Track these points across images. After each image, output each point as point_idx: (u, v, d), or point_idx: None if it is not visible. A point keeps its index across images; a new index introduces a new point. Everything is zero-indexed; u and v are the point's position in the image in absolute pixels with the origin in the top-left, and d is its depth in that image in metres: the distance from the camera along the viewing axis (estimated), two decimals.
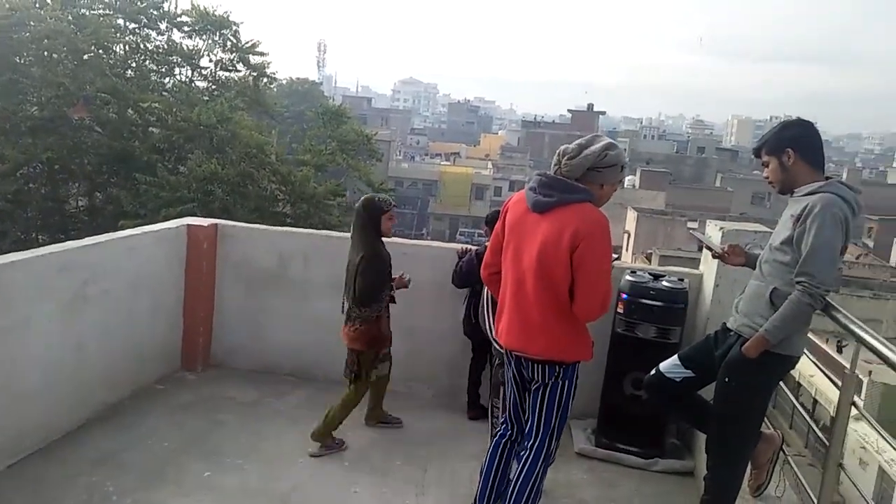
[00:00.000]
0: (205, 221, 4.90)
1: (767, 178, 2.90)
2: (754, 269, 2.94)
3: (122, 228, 12.37)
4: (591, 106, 78.41)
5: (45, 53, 16.74)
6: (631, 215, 28.44)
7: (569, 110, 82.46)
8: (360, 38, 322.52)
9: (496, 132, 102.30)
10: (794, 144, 2.78)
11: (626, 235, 27.62)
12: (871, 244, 43.83)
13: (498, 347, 3.18)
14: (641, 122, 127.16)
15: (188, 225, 4.74)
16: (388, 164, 49.76)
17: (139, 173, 15.88)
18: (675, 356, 3.12)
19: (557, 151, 2.70)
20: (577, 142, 2.70)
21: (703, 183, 55.55)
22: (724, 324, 3.02)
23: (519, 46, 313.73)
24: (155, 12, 19.87)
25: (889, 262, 39.90)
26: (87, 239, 4.01)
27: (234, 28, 20.76)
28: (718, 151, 73.43)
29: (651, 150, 71.48)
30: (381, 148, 32.60)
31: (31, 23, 16.56)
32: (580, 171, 2.60)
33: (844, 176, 60.29)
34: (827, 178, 2.77)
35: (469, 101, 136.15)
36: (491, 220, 3.95)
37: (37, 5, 17.83)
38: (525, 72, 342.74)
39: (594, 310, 2.57)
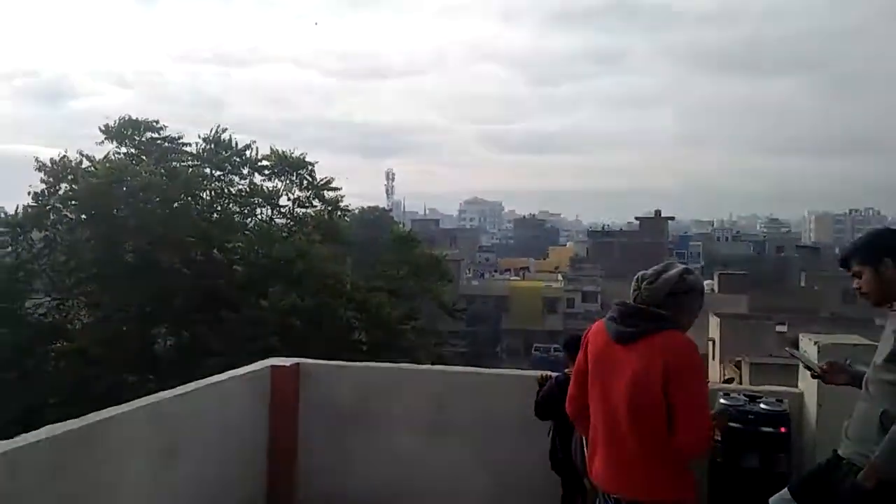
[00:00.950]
0: (287, 361, 5.00)
1: (860, 288, 2.76)
2: (860, 387, 2.76)
3: (208, 367, 12.90)
4: (658, 212, 78.05)
5: (140, 205, 18.29)
6: (714, 321, 27.33)
7: (636, 218, 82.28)
8: (426, 164, 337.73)
9: (564, 244, 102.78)
10: (892, 254, 2.68)
11: (710, 343, 26.42)
12: None
13: (593, 488, 3.02)
14: (713, 225, 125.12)
15: (272, 366, 4.86)
16: (458, 284, 50.33)
17: (224, 311, 16.65)
18: (786, 489, 2.88)
19: (635, 277, 2.67)
20: (653, 268, 2.67)
21: (786, 283, 53.33)
22: (835, 451, 2.80)
23: (575, 161, 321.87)
24: (238, 159, 21.59)
25: None
26: (176, 389, 4.13)
27: (310, 167, 22.21)
28: (799, 250, 70.96)
29: (727, 252, 69.88)
30: (451, 268, 33.22)
31: (128, 178, 18.25)
32: (660, 296, 2.55)
33: None
34: None
35: (534, 215, 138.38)
36: (570, 345, 3.86)
37: (133, 162, 19.73)
38: (587, 182, 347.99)
39: (697, 445, 2.45)
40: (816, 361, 3.19)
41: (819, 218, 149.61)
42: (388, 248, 26.97)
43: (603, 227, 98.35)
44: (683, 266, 2.68)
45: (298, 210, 22.32)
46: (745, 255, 65.27)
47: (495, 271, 74.50)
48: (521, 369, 5.38)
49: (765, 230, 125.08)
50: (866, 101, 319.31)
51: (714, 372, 22.02)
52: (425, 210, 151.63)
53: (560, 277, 62.38)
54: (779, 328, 26.70)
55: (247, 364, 5.00)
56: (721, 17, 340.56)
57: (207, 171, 21.16)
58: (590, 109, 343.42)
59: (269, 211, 22.17)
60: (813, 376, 3.17)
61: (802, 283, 49.83)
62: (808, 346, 3.80)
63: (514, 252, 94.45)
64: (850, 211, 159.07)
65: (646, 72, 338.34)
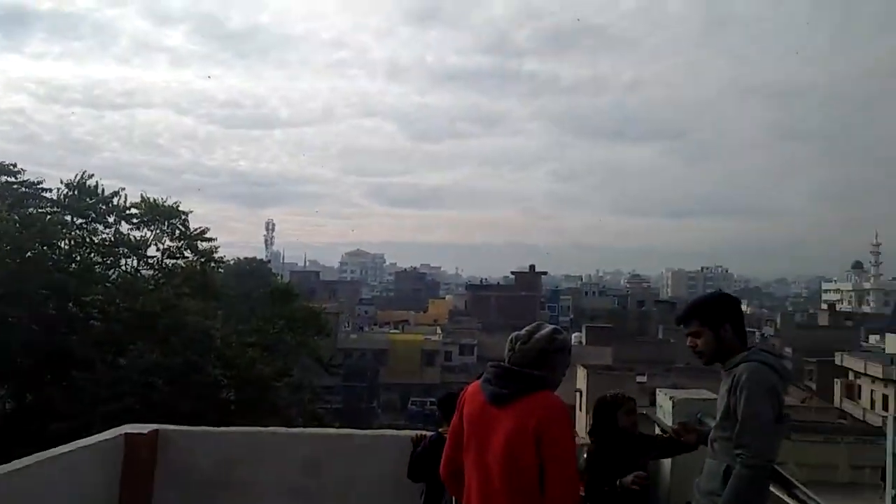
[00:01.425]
0: (144, 428, 4.68)
1: (695, 347, 2.97)
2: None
3: (54, 432, 11.68)
4: (532, 267, 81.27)
5: None
6: (581, 373, 28.48)
7: (512, 272, 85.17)
8: (309, 215, 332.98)
9: (443, 297, 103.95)
10: (730, 317, 2.90)
11: (577, 394, 27.46)
12: (813, 386, 44.76)
13: None
14: (581, 280, 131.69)
15: (126, 434, 4.52)
16: (336, 337, 49.37)
17: (76, 370, 15.24)
18: None
19: (509, 338, 2.76)
20: (526, 328, 2.78)
21: (646, 336, 56.84)
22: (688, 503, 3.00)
23: (462, 215, 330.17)
24: (103, 206, 20.24)
25: (833, 403, 40.62)
26: (14, 463, 3.70)
27: (183, 217, 21.24)
28: (657, 304, 76.09)
29: (594, 306, 73.64)
30: (329, 321, 32.59)
31: None
32: (533, 356, 2.65)
33: (778, 321, 62.98)
34: (749, 348, 2.88)
35: (415, 268, 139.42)
36: (444, 404, 3.90)
37: None
38: (467, 236, 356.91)
39: (567, 500, 2.52)
40: (672, 415, 3.42)
41: (675, 274, 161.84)
42: (264, 302, 26.08)
43: (481, 281, 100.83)
44: (553, 326, 2.83)
45: (168, 261, 21.18)
46: (609, 309, 69.04)
47: (375, 324, 73.88)
48: (398, 424, 5.35)
49: (628, 285, 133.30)
50: (717, 168, 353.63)
51: (581, 423, 22.84)
52: (306, 261, 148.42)
53: (439, 330, 62.87)
54: (639, 379, 28.28)
55: (100, 430, 4.64)
56: (593, 86, 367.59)
57: (68, 218, 19.64)
58: (471, 166, 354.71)
59: (136, 262, 20.86)
60: (666, 438, 3.40)
61: (660, 336, 53.27)
62: (664, 401, 4.07)
63: (395, 305, 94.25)
64: (702, 268, 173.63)
65: (523, 133, 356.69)
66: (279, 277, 43.16)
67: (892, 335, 48.14)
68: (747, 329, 3.05)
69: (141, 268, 20.88)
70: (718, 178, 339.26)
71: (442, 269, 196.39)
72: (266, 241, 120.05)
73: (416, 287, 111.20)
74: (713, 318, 2.92)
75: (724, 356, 2.89)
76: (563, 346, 2.75)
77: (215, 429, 5.25)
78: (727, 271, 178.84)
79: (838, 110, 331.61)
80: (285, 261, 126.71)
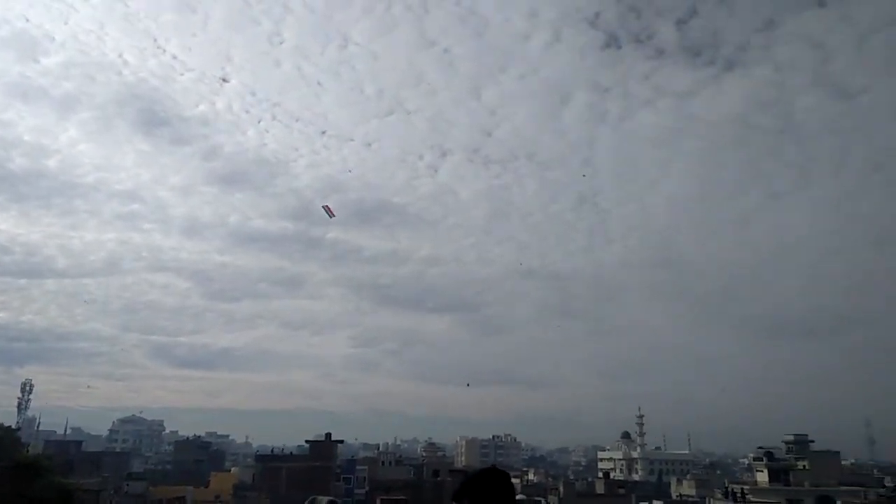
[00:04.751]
0: None
1: None
2: None
3: None
4: (328, 435, 78.20)
5: None
6: None
7: (307, 441, 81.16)
8: (78, 376, 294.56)
9: (229, 469, 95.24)
10: (497, 498, 3.09)
11: None
12: None
13: None
14: (379, 448, 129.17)
15: None
16: None
17: None
18: None
19: None
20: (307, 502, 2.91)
21: None
22: None
23: (255, 378, 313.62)
24: None
25: None
26: None
27: None
28: (451, 473, 76.32)
29: (390, 476, 72.04)
30: (86, 500, 28.29)
31: None
32: None
33: (561, 489, 66.07)
34: None
35: (199, 436, 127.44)
36: None
37: None
38: (260, 401, 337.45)
39: None
40: None
41: (469, 442, 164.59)
42: (4, 478, 22.25)
43: (272, 451, 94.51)
44: (330, 499, 3.03)
45: None
46: (405, 480, 67.82)
47: (144, 503, 64.97)
48: None
49: (424, 454, 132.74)
50: (505, 340, 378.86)
51: None
52: (67, 429, 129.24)
53: None
54: None
55: None
56: (393, 258, 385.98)
57: None
58: (268, 328, 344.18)
59: None
60: None
61: None
62: None
63: (171, 479, 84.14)
64: (493, 437, 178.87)
65: (323, 297, 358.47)
66: (27, 450, 37.26)
67: (658, 502, 52.69)
68: (535, 498, 3.40)
69: None
70: (506, 350, 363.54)
71: (230, 437, 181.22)
72: (20, 404, 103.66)
73: (199, 458, 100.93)
74: (480, 498, 3.09)
75: None
76: None
77: None
78: (515, 440, 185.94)
79: (600, 295, 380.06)
80: (41, 427, 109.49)
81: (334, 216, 59.44)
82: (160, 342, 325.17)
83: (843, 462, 75.25)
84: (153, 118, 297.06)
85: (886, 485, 58.59)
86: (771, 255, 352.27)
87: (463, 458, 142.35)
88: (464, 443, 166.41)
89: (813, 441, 69.14)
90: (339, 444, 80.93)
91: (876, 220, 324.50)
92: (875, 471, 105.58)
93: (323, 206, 56.05)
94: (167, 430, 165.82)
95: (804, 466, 60.97)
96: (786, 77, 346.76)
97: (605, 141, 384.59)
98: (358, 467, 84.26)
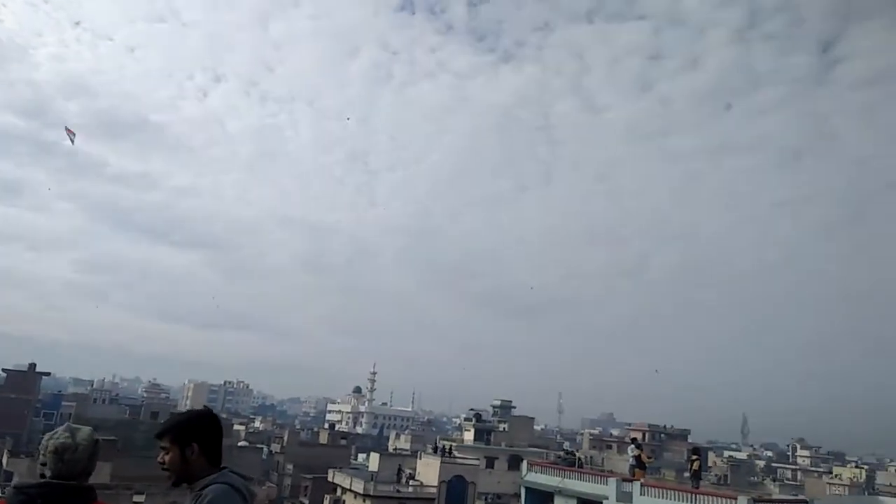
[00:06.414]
0: None
1: (164, 464, 2.94)
2: None
3: None
4: (32, 366, 69.64)
5: None
6: None
7: (4, 369, 71.27)
8: None
9: None
10: (200, 438, 2.90)
11: None
12: (307, 502, 48.33)
13: None
14: (93, 385, 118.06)
15: None
16: None
17: None
18: None
19: (53, 447, 2.46)
20: (61, 433, 2.56)
21: (154, 451, 53.62)
22: None
23: None
24: None
25: None
26: None
27: None
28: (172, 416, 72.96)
29: (101, 415, 66.52)
30: None
31: None
32: (83, 465, 2.51)
33: (285, 438, 67.00)
34: (220, 469, 2.90)
35: None
36: None
37: None
38: None
39: None
40: None
41: (197, 386, 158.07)
42: None
43: None
44: (89, 427, 2.81)
45: None
46: (119, 420, 63.22)
47: None
48: None
49: (145, 394, 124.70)
50: (250, 285, 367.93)
51: None
52: None
53: None
54: (136, 498, 26.62)
55: None
56: (142, 181, 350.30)
57: None
58: None
59: None
60: None
61: None
62: None
63: None
64: (225, 382, 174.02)
65: (49, 211, 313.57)
66: None
67: (376, 454, 56.02)
68: (258, 446, 3.37)
69: None
70: (253, 296, 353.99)
71: None
72: None
73: None
74: (182, 434, 2.91)
75: (192, 477, 2.87)
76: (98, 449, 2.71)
77: None
78: (248, 387, 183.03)
79: (355, 253, 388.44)
80: None
81: (73, 137, 51.87)
82: None
83: (535, 427, 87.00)
84: None
85: (564, 448, 69.33)
86: (511, 239, 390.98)
87: (188, 402, 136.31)
88: (192, 386, 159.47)
89: (515, 406, 79.11)
90: (45, 377, 72.59)
91: (594, 220, 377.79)
92: (558, 436, 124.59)
93: (66, 129, 48.68)
94: None
95: (504, 428, 69.43)
96: (550, 80, 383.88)
97: (385, 103, 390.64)
98: (64, 403, 76.50)
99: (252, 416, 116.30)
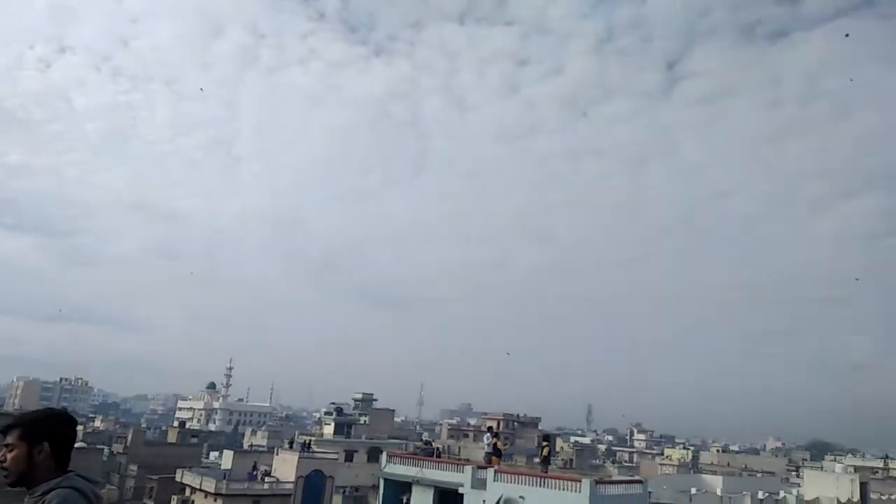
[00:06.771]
0: None
1: (3, 462, 2.74)
2: None
3: None
4: None
5: None
6: None
7: None
8: None
9: None
10: (52, 438, 2.76)
11: None
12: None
13: None
14: None
15: None
16: None
17: None
18: None
19: None
20: None
21: None
22: None
23: None
24: None
25: None
26: None
27: None
28: (2, 416, 66.06)
29: None
30: None
31: None
32: None
33: (129, 437, 62.85)
34: (66, 473, 2.77)
35: None
36: None
37: None
38: None
39: None
40: None
41: (28, 383, 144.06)
42: None
43: None
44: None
45: None
46: None
47: None
48: None
49: None
50: (94, 275, 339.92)
51: None
52: None
53: None
54: None
55: None
56: None
57: None
58: None
59: None
60: None
61: None
62: None
63: None
64: (61, 379, 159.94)
65: None
66: None
67: (229, 451, 53.95)
68: (98, 446, 3.18)
69: None
70: (94, 285, 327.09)
71: None
72: None
73: None
74: (31, 433, 2.75)
75: (34, 480, 2.73)
76: None
77: None
78: (87, 384, 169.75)
79: (214, 242, 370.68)
80: None
81: None
82: None
83: (396, 419, 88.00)
84: None
85: (423, 438, 70.84)
86: (379, 233, 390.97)
87: (17, 401, 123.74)
88: (21, 384, 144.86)
89: (377, 399, 79.45)
90: None
91: (463, 218, 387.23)
92: (418, 427, 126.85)
93: None
94: None
95: (365, 421, 69.61)
96: (421, 76, 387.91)
97: (251, 87, 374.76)
98: None
99: (92, 416, 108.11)
